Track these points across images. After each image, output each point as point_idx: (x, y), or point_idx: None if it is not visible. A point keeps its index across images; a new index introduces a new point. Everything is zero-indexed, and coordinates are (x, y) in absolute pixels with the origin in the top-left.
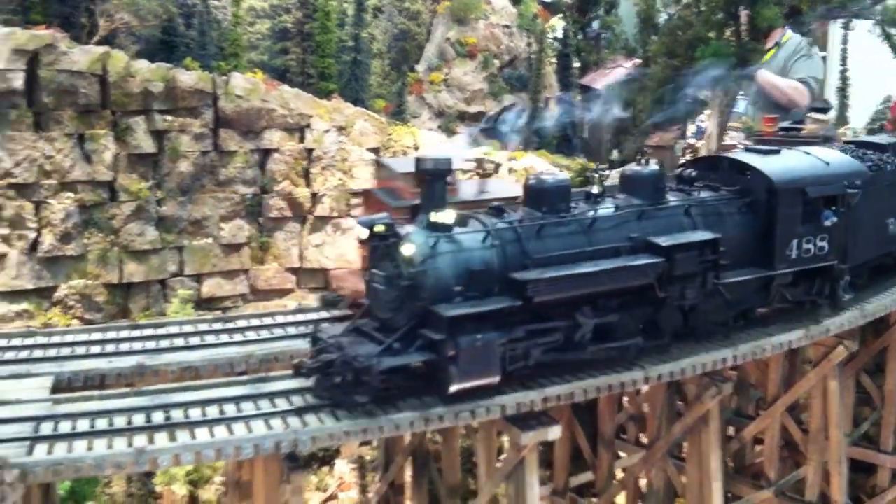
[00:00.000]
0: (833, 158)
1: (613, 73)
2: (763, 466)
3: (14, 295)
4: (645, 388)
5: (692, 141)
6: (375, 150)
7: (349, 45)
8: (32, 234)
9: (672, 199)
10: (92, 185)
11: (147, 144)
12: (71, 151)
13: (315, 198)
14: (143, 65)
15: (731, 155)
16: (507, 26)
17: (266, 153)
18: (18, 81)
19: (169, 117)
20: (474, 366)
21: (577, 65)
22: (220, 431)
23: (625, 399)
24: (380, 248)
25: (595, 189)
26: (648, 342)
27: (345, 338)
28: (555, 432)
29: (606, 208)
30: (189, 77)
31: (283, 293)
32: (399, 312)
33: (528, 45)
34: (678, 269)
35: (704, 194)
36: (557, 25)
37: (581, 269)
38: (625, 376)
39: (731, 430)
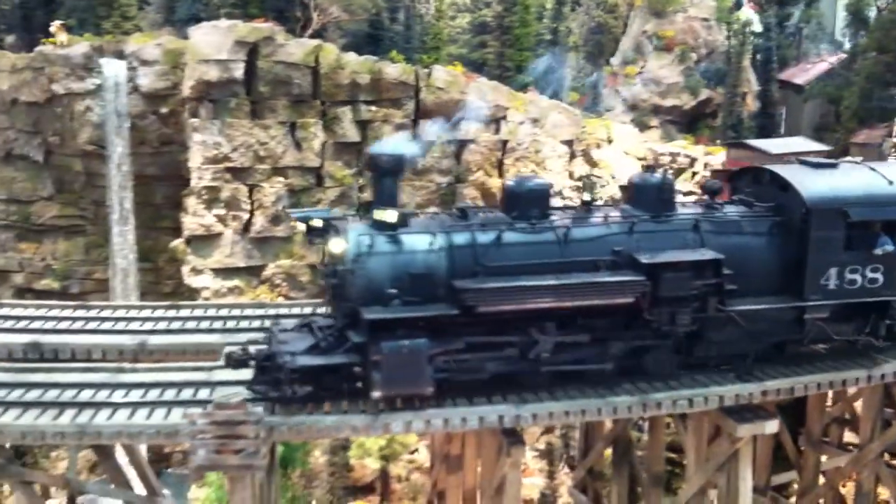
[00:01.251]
0: None
1: (815, 68)
2: None
3: (227, 272)
4: (854, 389)
5: None
6: (569, 143)
7: (546, 38)
8: (245, 216)
9: (684, 211)
10: (301, 170)
11: (352, 133)
12: (283, 139)
13: None
14: (351, 57)
15: (773, 167)
16: (706, 19)
17: (462, 144)
18: (239, 71)
19: (373, 108)
20: (399, 374)
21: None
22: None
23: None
24: (315, 242)
25: (587, 196)
26: (639, 368)
27: (290, 332)
28: (772, 426)
29: (590, 218)
30: (394, 69)
31: None
32: (335, 310)
33: (726, 39)
34: (666, 291)
35: (730, 209)
36: (753, 18)
37: (532, 282)
38: (847, 374)
39: None
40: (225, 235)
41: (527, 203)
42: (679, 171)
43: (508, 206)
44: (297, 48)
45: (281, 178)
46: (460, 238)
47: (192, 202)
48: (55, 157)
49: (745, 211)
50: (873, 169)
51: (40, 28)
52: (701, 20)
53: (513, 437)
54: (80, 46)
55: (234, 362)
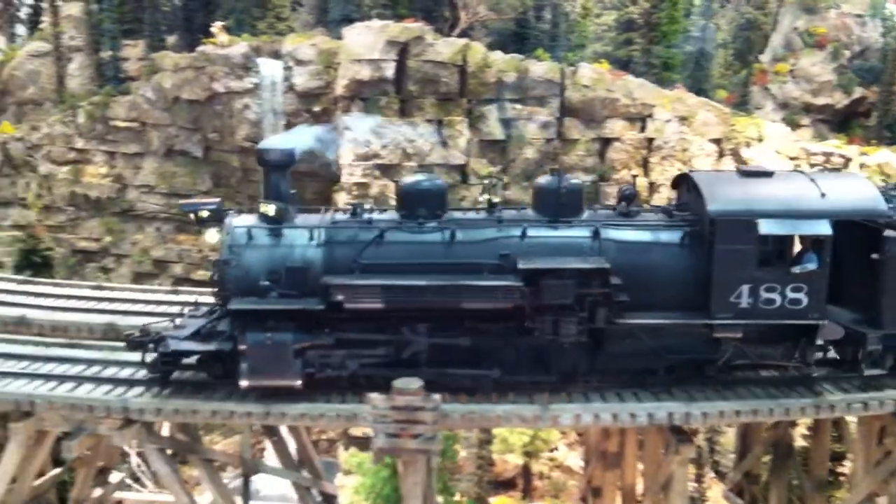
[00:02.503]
0: (845, 191)
1: None
2: None
3: None
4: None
5: None
6: (717, 142)
7: (694, 34)
8: None
9: (586, 218)
10: (447, 167)
11: (497, 131)
12: (430, 136)
13: (653, 187)
14: (498, 55)
15: (696, 173)
16: (859, 15)
17: (606, 142)
18: (390, 70)
19: (518, 106)
20: (264, 365)
21: None
22: (611, 398)
23: None
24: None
25: (484, 198)
26: (530, 377)
27: (195, 318)
28: None
29: (480, 221)
30: (540, 67)
31: None
32: (217, 299)
33: (881, 36)
34: (547, 299)
35: (646, 217)
36: None
37: (399, 281)
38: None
39: None
40: None
41: (420, 203)
42: (834, 170)
43: (402, 206)
44: (445, 47)
45: None
46: (341, 235)
47: (342, 197)
48: (213, 152)
49: (660, 219)
50: (813, 180)
51: (200, 29)
52: (854, 16)
53: (681, 434)
54: (240, 47)
55: (132, 344)
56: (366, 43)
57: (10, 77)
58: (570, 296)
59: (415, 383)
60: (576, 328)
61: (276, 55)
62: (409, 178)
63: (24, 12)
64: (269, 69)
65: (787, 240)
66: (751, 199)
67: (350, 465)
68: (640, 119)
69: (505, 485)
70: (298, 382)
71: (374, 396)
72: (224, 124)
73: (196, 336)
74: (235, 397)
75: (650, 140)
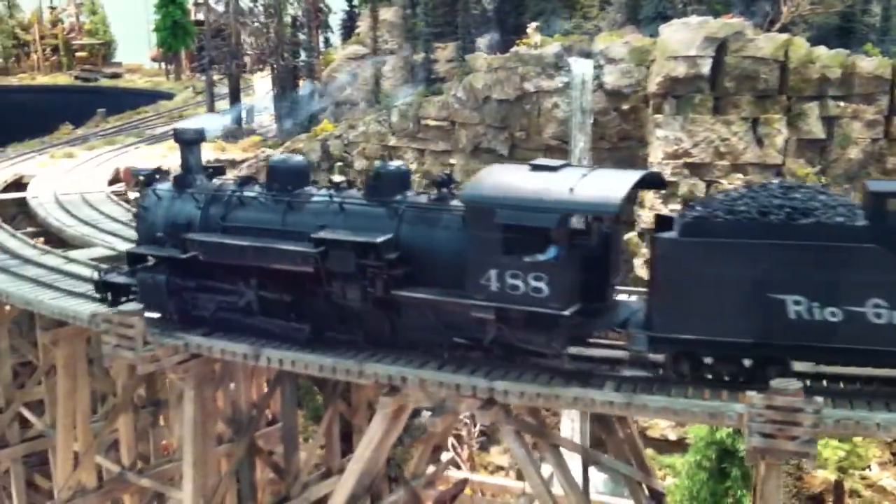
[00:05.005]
0: (598, 188)
1: None
2: None
3: None
4: None
5: None
6: None
7: None
8: None
9: (398, 199)
10: (761, 167)
11: (818, 130)
12: (745, 135)
13: None
14: (822, 51)
15: (495, 165)
16: None
17: None
18: (706, 67)
19: (842, 103)
20: (148, 297)
21: None
22: None
23: None
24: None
25: (336, 178)
26: (338, 334)
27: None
28: None
29: (316, 196)
30: (869, 63)
31: None
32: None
33: None
34: (333, 266)
35: (453, 203)
36: None
37: (228, 241)
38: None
39: None
40: None
41: (282, 178)
42: None
43: (269, 179)
44: (766, 42)
45: (740, 175)
46: (216, 201)
47: (649, 196)
48: (518, 150)
49: (455, 205)
50: (585, 175)
51: (511, 30)
52: None
53: None
54: (552, 47)
55: (94, 283)
56: (682, 40)
57: (329, 79)
58: (350, 266)
59: (794, 384)
60: (359, 295)
61: (587, 54)
62: (277, 156)
63: (335, 19)
64: (580, 68)
65: (528, 230)
66: (499, 189)
67: (659, 465)
68: None
69: (812, 499)
70: (175, 316)
71: (752, 395)
72: (531, 123)
73: (122, 273)
74: (594, 385)
75: None
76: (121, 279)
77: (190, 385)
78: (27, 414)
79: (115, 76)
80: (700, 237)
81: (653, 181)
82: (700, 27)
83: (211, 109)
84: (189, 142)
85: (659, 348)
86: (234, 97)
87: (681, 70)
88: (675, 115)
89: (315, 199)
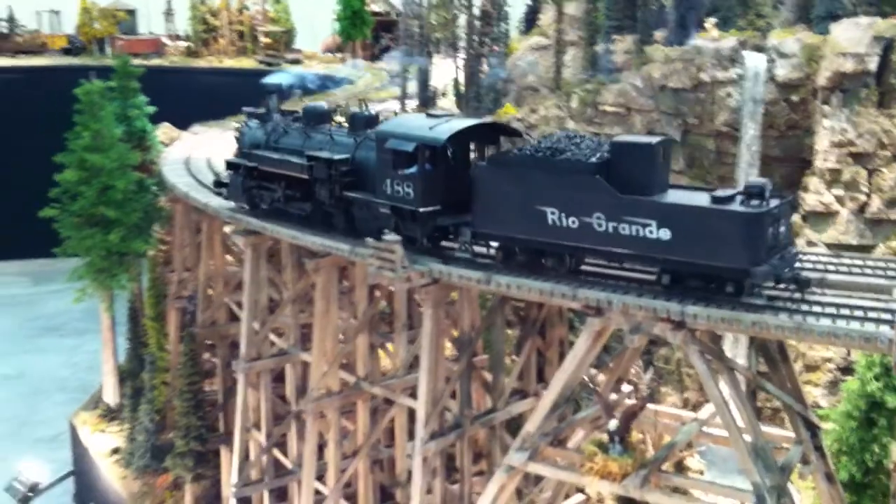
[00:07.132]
0: (444, 126)
1: None
2: None
3: (838, 248)
4: None
5: None
6: None
7: None
8: (862, 198)
9: (365, 133)
10: None
11: None
12: None
13: None
14: None
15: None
16: None
17: None
18: (873, 64)
19: None
20: (232, 191)
21: None
22: None
23: None
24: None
25: (339, 119)
26: (324, 222)
27: None
28: None
29: (330, 130)
30: None
31: None
32: None
33: None
34: (316, 174)
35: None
36: None
37: (268, 154)
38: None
39: None
40: (841, 214)
41: (309, 118)
42: None
43: (304, 118)
44: None
45: None
46: (275, 129)
47: (813, 182)
48: (690, 136)
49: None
50: (448, 120)
51: (685, 25)
52: None
53: None
54: (729, 41)
55: (213, 182)
56: (852, 38)
57: (513, 66)
58: (323, 174)
59: None
60: (327, 194)
61: (760, 49)
62: (309, 103)
63: (516, 12)
64: (754, 61)
65: (402, 153)
66: (392, 126)
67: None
68: None
69: None
70: (245, 204)
71: None
72: (705, 110)
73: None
74: (769, 313)
75: None
76: (225, 179)
77: (429, 304)
78: (272, 337)
79: (296, 62)
80: (498, 167)
81: (505, 130)
82: (869, 27)
83: (403, 94)
84: (269, 92)
85: (477, 242)
86: (423, 84)
87: (849, 66)
88: (842, 108)
89: (320, 131)
